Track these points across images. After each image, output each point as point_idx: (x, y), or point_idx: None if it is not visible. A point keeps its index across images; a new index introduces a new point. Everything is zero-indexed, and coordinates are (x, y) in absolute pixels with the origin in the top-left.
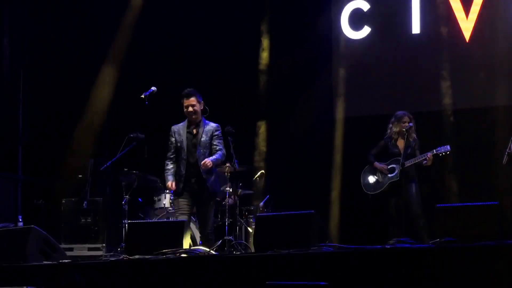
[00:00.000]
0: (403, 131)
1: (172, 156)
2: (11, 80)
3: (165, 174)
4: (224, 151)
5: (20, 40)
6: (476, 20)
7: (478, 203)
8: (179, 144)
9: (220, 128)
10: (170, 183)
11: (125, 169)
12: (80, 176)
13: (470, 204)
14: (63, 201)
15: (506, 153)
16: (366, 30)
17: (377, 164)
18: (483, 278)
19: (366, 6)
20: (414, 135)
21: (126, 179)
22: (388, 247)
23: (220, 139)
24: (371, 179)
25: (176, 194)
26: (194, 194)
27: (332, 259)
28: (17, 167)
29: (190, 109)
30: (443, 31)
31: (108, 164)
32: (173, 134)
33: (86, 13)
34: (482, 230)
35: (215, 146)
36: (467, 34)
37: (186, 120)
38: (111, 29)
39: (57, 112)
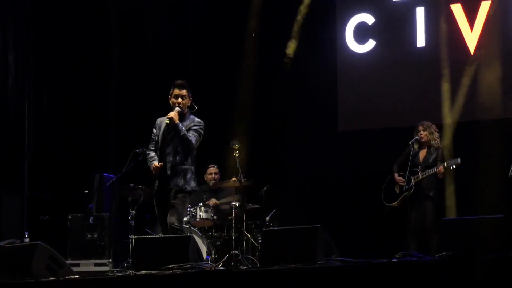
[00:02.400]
0: (418, 140)
1: (153, 148)
2: (17, 95)
3: (149, 160)
4: (194, 141)
5: (26, 56)
6: (480, 32)
7: (484, 216)
8: (157, 138)
9: (202, 124)
10: (156, 163)
11: (131, 184)
12: (86, 191)
13: (475, 217)
14: (69, 217)
15: None
16: (371, 44)
17: (396, 175)
18: None
19: (371, 20)
20: (436, 145)
21: (132, 194)
22: (394, 261)
23: (197, 132)
24: (391, 189)
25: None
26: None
27: (338, 274)
28: (23, 183)
29: (180, 100)
30: (448, 44)
31: (114, 179)
32: (156, 126)
33: (90, 28)
34: (487, 243)
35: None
36: (472, 47)
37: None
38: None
39: (63, 127)
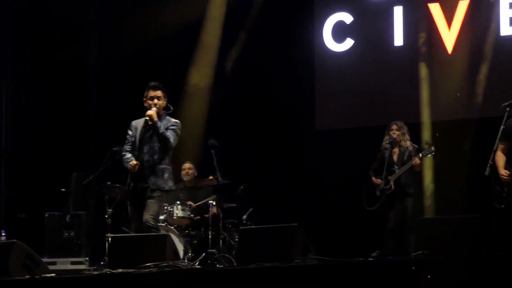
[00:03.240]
0: (395, 140)
1: (129, 149)
2: None
3: (125, 160)
4: (172, 140)
5: (3, 54)
6: (458, 32)
7: (461, 216)
8: (133, 139)
9: (179, 124)
10: (133, 163)
11: (108, 183)
12: (63, 189)
13: (452, 216)
14: (46, 215)
15: (489, 164)
16: (349, 43)
17: (373, 179)
18: None
19: (349, 19)
20: (408, 143)
21: (109, 192)
22: (371, 259)
23: (174, 131)
24: (371, 194)
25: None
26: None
27: (315, 272)
28: (0, 181)
29: (155, 101)
30: (425, 43)
31: (91, 177)
32: (131, 128)
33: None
34: (464, 243)
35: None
36: (449, 46)
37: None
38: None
39: (39, 126)
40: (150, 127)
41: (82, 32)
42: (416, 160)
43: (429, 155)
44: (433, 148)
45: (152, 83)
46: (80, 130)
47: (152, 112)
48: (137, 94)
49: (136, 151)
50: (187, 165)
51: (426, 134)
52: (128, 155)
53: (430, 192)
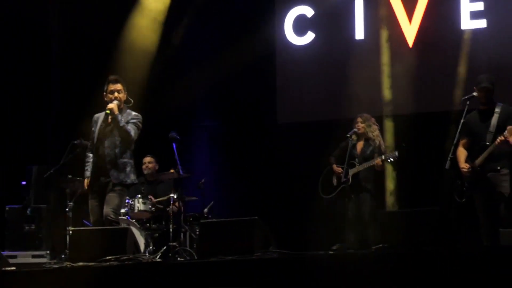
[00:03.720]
0: (356, 132)
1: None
2: None
3: (86, 164)
4: (132, 133)
5: None
6: (419, 25)
7: (419, 209)
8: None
9: (140, 118)
10: (86, 181)
11: (69, 176)
12: (23, 183)
13: (411, 209)
14: (7, 208)
15: (449, 158)
16: (310, 36)
17: (334, 166)
18: (420, 283)
19: (310, 12)
20: (376, 135)
21: (70, 186)
22: (331, 253)
23: (135, 125)
24: (328, 182)
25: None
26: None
27: (276, 265)
28: None
29: (116, 94)
30: (386, 37)
31: (51, 171)
32: (93, 123)
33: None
34: (423, 236)
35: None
36: (410, 39)
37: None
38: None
39: (0, 117)
40: (111, 122)
41: (43, 20)
42: (378, 161)
43: (391, 159)
44: (396, 153)
45: (112, 77)
46: (41, 123)
47: (112, 105)
48: (100, 85)
49: (94, 146)
50: (147, 158)
51: (388, 128)
52: (90, 155)
53: (392, 188)
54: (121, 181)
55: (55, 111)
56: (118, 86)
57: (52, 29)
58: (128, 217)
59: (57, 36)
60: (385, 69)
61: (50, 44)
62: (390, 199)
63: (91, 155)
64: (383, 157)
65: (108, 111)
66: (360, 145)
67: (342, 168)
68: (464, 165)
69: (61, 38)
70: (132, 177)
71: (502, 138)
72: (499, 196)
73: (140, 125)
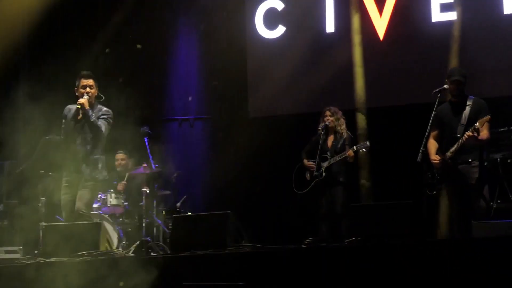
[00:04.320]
0: (328, 126)
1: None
2: None
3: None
4: (103, 129)
5: None
6: (389, 19)
7: (392, 202)
8: (63, 126)
9: (111, 113)
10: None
11: (41, 171)
12: None
13: (383, 203)
14: None
15: (421, 151)
16: (280, 30)
17: (305, 161)
18: (393, 276)
19: (280, 6)
20: (344, 129)
21: (42, 181)
22: (304, 246)
23: (106, 120)
24: (301, 177)
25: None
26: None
27: (248, 259)
28: None
29: (88, 89)
30: (357, 30)
31: (23, 166)
32: (64, 116)
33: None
34: (395, 228)
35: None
36: (381, 33)
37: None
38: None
39: None
40: (82, 118)
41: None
42: (350, 152)
43: (363, 149)
44: (368, 143)
45: (84, 72)
46: (12, 118)
47: (83, 100)
48: (70, 80)
49: (67, 138)
50: (120, 155)
51: (360, 121)
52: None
53: (365, 181)
54: (94, 177)
55: (26, 105)
56: (90, 82)
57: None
58: (101, 212)
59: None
60: (356, 62)
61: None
62: (363, 192)
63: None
64: (354, 148)
65: (78, 106)
66: (330, 138)
67: (314, 162)
68: (434, 157)
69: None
70: (104, 173)
71: (470, 133)
72: (470, 187)
73: (111, 120)
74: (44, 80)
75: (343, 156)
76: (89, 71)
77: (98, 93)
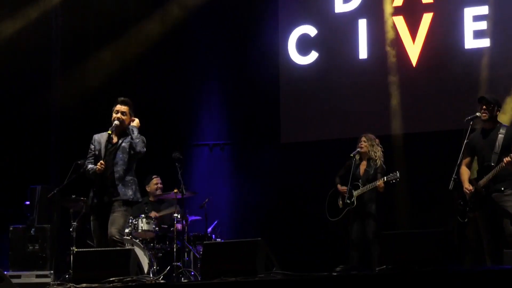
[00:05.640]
0: (359, 152)
1: (91, 163)
2: None
3: (88, 171)
4: (142, 147)
5: None
6: (422, 45)
7: (423, 230)
8: (97, 152)
9: (144, 139)
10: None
11: (73, 196)
12: (27, 202)
13: (415, 231)
14: (11, 228)
15: (453, 178)
16: (313, 55)
17: (339, 186)
18: None
19: (313, 32)
20: (378, 156)
21: (74, 206)
22: (335, 274)
23: (141, 140)
24: (334, 204)
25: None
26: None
27: (279, 287)
28: None
29: (119, 115)
30: (390, 56)
31: (55, 191)
32: (93, 142)
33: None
34: (427, 256)
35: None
36: (414, 59)
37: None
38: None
39: (4, 138)
40: (117, 140)
41: (45, 40)
42: (380, 183)
43: (393, 181)
44: (398, 175)
45: (121, 98)
46: (45, 143)
47: (116, 123)
48: (102, 106)
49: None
50: (156, 179)
51: (394, 147)
52: (90, 166)
53: (397, 205)
54: (128, 198)
55: (59, 130)
56: (123, 108)
57: (52, 48)
58: (132, 237)
59: (59, 52)
60: (389, 88)
61: (50, 65)
62: (397, 220)
63: (91, 165)
64: (385, 178)
65: (109, 132)
66: (363, 165)
67: (347, 187)
68: (467, 186)
69: (62, 57)
70: (138, 195)
71: (509, 159)
72: (503, 214)
73: (145, 141)
74: (77, 103)
75: (374, 186)
76: (128, 98)
77: (130, 121)
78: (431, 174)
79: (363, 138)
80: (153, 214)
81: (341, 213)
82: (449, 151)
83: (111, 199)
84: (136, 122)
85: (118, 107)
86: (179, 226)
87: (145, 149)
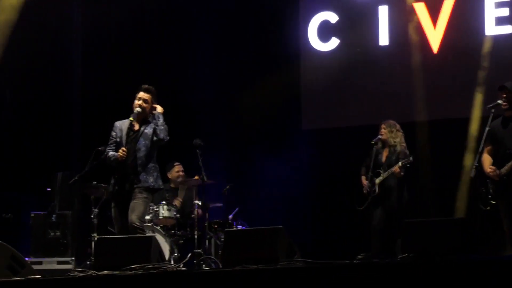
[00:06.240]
0: (379, 139)
1: (112, 150)
2: None
3: (109, 158)
4: (165, 134)
5: None
6: (444, 31)
7: (445, 218)
8: (118, 139)
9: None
10: (121, 150)
11: (94, 183)
12: (48, 189)
13: (437, 219)
14: (32, 215)
15: (474, 166)
16: (334, 42)
17: (362, 178)
18: None
19: (334, 18)
20: (398, 142)
21: (95, 192)
22: (356, 262)
23: (164, 127)
24: (361, 193)
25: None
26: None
27: (300, 274)
28: None
29: (141, 102)
30: (411, 42)
31: (76, 177)
32: (115, 129)
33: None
34: (448, 245)
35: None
36: (435, 45)
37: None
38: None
39: (25, 124)
40: (138, 127)
41: (66, 27)
42: (395, 168)
43: (408, 165)
44: (411, 158)
45: (145, 86)
46: (66, 129)
47: (137, 110)
48: (124, 92)
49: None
50: (179, 167)
51: (416, 132)
52: (111, 153)
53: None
54: (150, 185)
55: (79, 117)
56: (146, 96)
57: (73, 35)
58: (153, 224)
59: (80, 40)
60: (410, 75)
61: (71, 52)
62: (421, 208)
63: (112, 152)
64: (400, 163)
65: (131, 119)
66: (385, 152)
67: (368, 178)
68: (490, 168)
69: (83, 45)
70: (160, 182)
71: None
72: None
73: (167, 128)
74: (98, 90)
75: (391, 172)
76: (151, 86)
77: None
78: (454, 160)
79: (383, 125)
80: (177, 202)
81: (365, 202)
82: (472, 137)
83: (132, 186)
84: (159, 108)
85: (141, 94)
86: (200, 212)
87: (168, 137)
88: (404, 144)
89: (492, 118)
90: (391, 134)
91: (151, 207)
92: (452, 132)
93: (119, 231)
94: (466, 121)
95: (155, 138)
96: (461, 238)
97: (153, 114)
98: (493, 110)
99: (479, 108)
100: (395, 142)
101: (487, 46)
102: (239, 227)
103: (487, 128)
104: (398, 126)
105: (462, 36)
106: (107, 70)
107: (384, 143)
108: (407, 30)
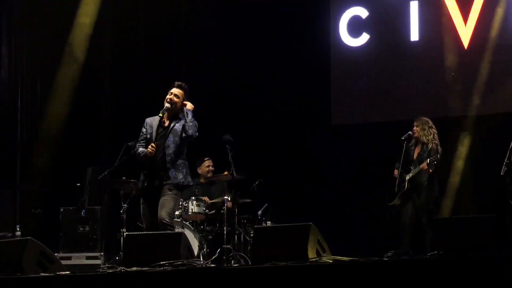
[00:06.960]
0: (410, 136)
1: (143, 145)
2: (9, 88)
3: (139, 154)
4: (194, 131)
5: (19, 48)
6: (474, 27)
7: (475, 215)
8: (148, 136)
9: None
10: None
11: (123, 178)
12: (78, 184)
13: (467, 216)
14: (61, 210)
15: (504, 163)
16: (364, 37)
17: (395, 172)
18: None
19: (364, 13)
20: (430, 139)
21: (124, 187)
22: (386, 259)
23: (194, 124)
24: (392, 189)
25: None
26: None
27: (329, 271)
28: (15, 176)
29: (172, 96)
30: (442, 38)
31: (105, 172)
32: (145, 126)
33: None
34: (479, 243)
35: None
36: (465, 41)
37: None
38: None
39: (54, 119)
40: (168, 123)
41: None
42: (424, 165)
43: (435, 162)
44: (438, 156)
45: (178, 82)
46: (95, 124)
47: (167, 105)
48: (153, 87)
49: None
50: (209, 162)
51: (447, 129)
52: (141, 149)
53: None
54: (179, 181)
55: (110, 112)
56: (177, 91)
57: (104, 31)
58: (182, 219)
59: (110, 37)
60: (441, 71)
61: (102, 46)
62: (448, 205)
63: (141, 148)
64: (428, 160)
65: (161, 115)
66: (418, 149)
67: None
68: None
69: (114, 39)
70: (189, 178)
71: None
72: None
73: (197, 125)
74: (129, 85)
75: (420, 168)
76: (184, 83)
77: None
78: (484, 157)
79: (415, 123)
80: (204, 199)
81: (395, 197)
82: (502, 134)
83: (162, 183)
84: (189, 105)
85: (173, 90)
86: (229, 204)
87: (197, 134)
88: (436, 141)
89: None
90: (423, 131)
91: (181, 203)
92: (480, 128)
93: (147, 227)
94: (496, 116)
95: (184, 134)
96: (491, 235)
97: (184, 111)
98: None
99: None
100: (427, 139)
101: None
102: (268, 223)
103: None
104: (430, 123)
105: (492, 33)
106: (138, 65)
107: (416, 140)
108: (438, 25)
